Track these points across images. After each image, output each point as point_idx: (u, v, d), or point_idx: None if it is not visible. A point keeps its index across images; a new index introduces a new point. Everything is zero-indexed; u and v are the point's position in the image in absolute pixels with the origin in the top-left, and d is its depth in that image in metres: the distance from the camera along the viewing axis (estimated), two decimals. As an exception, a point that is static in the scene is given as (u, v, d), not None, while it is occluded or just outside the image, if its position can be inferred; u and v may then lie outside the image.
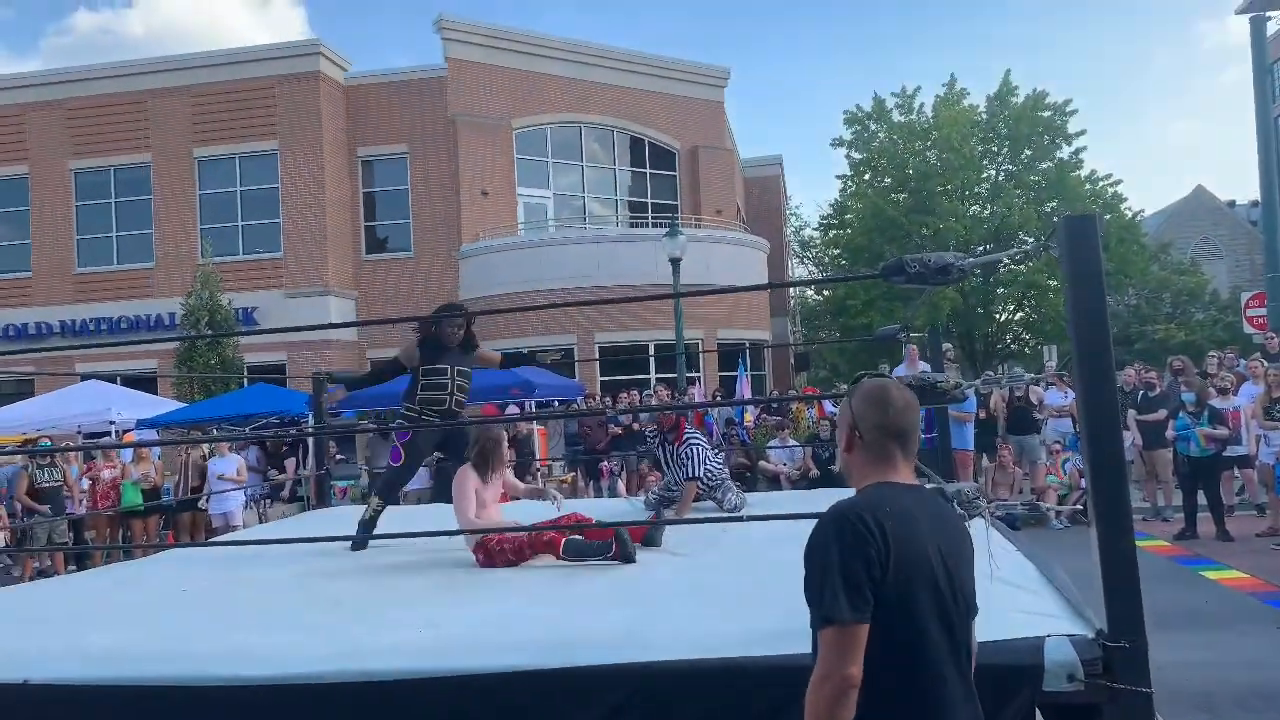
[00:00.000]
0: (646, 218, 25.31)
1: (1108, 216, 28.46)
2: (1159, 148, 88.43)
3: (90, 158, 23.29)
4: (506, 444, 5.40)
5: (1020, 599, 3.04)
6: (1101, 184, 29.11)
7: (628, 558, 4.36)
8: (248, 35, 79.49)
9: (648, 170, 26.41)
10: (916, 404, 2.15)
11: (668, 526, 4.89)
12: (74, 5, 73.78)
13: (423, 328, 5.79)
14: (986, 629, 2.64)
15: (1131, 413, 11.85)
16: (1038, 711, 2.72)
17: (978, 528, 2.83)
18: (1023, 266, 28.12)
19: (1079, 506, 11.06)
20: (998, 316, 30.93)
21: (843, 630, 1.86)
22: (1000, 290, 29.72)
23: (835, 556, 1.89)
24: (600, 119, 25.48)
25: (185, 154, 22.90)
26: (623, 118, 25.72)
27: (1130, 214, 29.29)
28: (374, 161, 23.65)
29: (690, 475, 6.25)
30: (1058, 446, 12.49)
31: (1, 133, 23.59)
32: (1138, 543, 2.59)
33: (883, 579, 1.88)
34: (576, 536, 4.55)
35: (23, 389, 20.50)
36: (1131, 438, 11.70)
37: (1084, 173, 29.04)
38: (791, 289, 35.88)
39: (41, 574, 10.16)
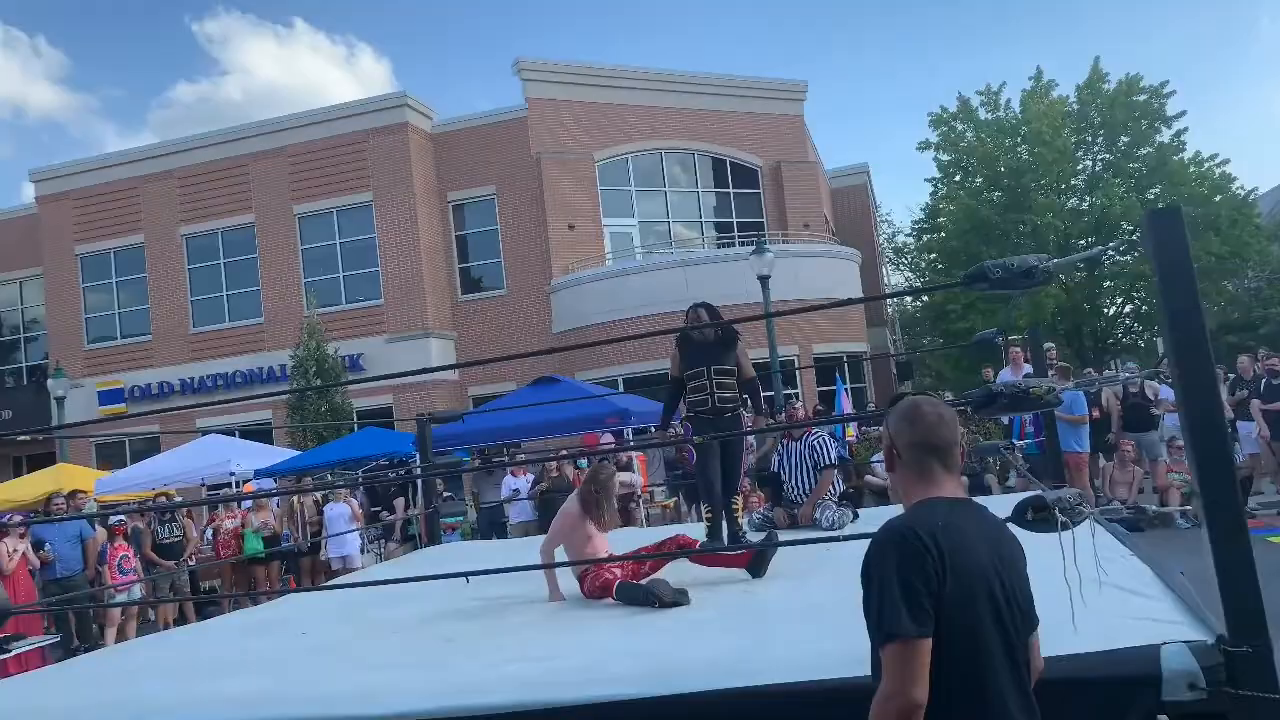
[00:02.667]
0: (733, 237, 25.28)
1: (1218, 198, 27.27)
2: (1271, 121, 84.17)
3: (198, 222, 24.50)
4: (617, 490, 5.37)
5: (1134, 605, 2.94)
6: (1208, 165, 27.90)
7: (674, 603, 4.19)
8: (337, 90, 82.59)
9: (731, 190, 26.42)
10: (950, 418, 2.12)
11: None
12: (174, 79, 77.95)
13: (679, 336, 5.80)
14: (1097, 638, 2.57)
15: (1255, 403, 11.27)
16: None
17: (1081, 534, 2.76)
18: (1128, 257, 27.10)
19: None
20: (1106, 310, 29.83)
21: (906, 645, 1.84)
22: (1107, 284, 28.68)
23: (893, 573, 1.88)
24: (680, 143, 25.64)
25: (286, 212, 23.90)
26: (703, 140, 25.83)
27: (1242, 193, 27.95)
28: (464, 205, 24.26)
29: (828, 463, 6.41)
30: (1178, 442, 11.94)
31: (119, 205, 25.02)
32: (1269, 539, 2.48)
33: (940, 593, 1.87)
34: (629, 581, 4.48)
35: (150, 446, 21.56)
36: (1256, 428, 11.13)
37: (1187, 155, 27.89)
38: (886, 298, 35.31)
39: (176, 622, 10.64)
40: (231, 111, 76.40)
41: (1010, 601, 1.97)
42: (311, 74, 77.38)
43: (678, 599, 4.18)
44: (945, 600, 1.87)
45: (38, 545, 10.16)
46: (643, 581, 4.44)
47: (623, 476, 5.46)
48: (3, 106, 72.32)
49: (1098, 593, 2.87)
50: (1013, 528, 2.84)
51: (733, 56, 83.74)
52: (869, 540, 2.00)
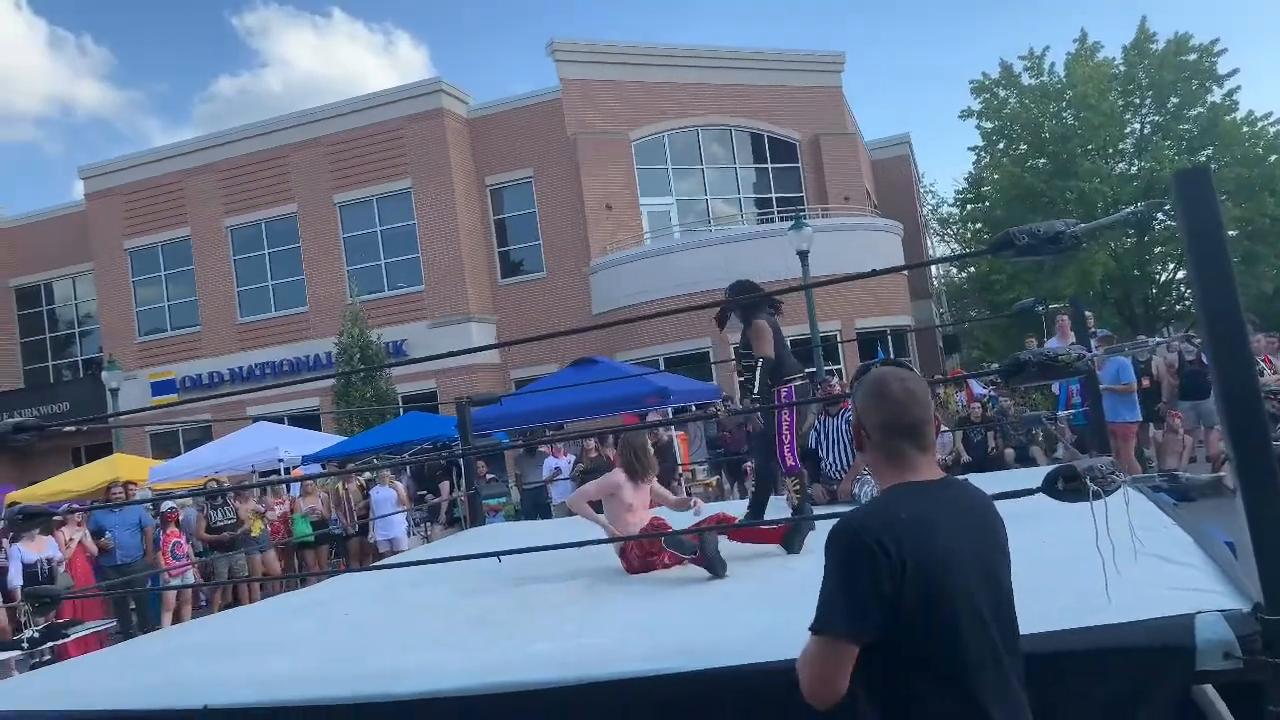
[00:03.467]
0: (773, 213, 25.08)
1: (1273, 158, 26.54)
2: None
3: (242, 214, 24.87)
4: (652, 449, 5.40)
5: (1171, 574, 2.88)
6: (1261, 124, 27.12)
7: (711, 563, 4.30)
8: (376, 78, 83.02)
9: (769, 165, 26.19)
10: (920, 392, 1.97)
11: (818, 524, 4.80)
12: (216, 72, 78.71)
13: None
14: (1131, 608, 2.53)
15: (1314, 367, 10.94)
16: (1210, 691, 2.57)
17: (1115, 502, 2.71)
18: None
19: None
20: (1158, 277, 29.18)
21: (827, 643, 1.79)
22: (1158, 249, 28.05)
23: (838, 569, 1.81)
24: (716, 120, 25.44)
25: (326, 201, 24.15)
26: (739, 115, 25.61)
27: (1301, 153, 27.15)
28: (501, 188, 24.33)
29: None
30: (1232, 409, 11.67)
31: (165, 199, 25.48)
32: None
33: (898, 595, 1.76)
34: (677, 535, 4.54)
35: (203, 435, 22.02)
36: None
37: (1240, 115, 27.13)
38: (932, 270, 34.89)
39: (229, 606, 10.86)
40: (272, 103, 77.08)
41: (990, 585, 1.87)
42: (350, 63, 77.89)
43: (714, 566, 4.27)
44: (906, 599, 1.76)
45: (99, 533, 10.45)
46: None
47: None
48: (52, 105, 73.74)
49: (1133, 562, 2.81)
50: (1043, 498, 2.81)
51: (768, 29, 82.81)
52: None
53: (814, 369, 17.20)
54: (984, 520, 1.97)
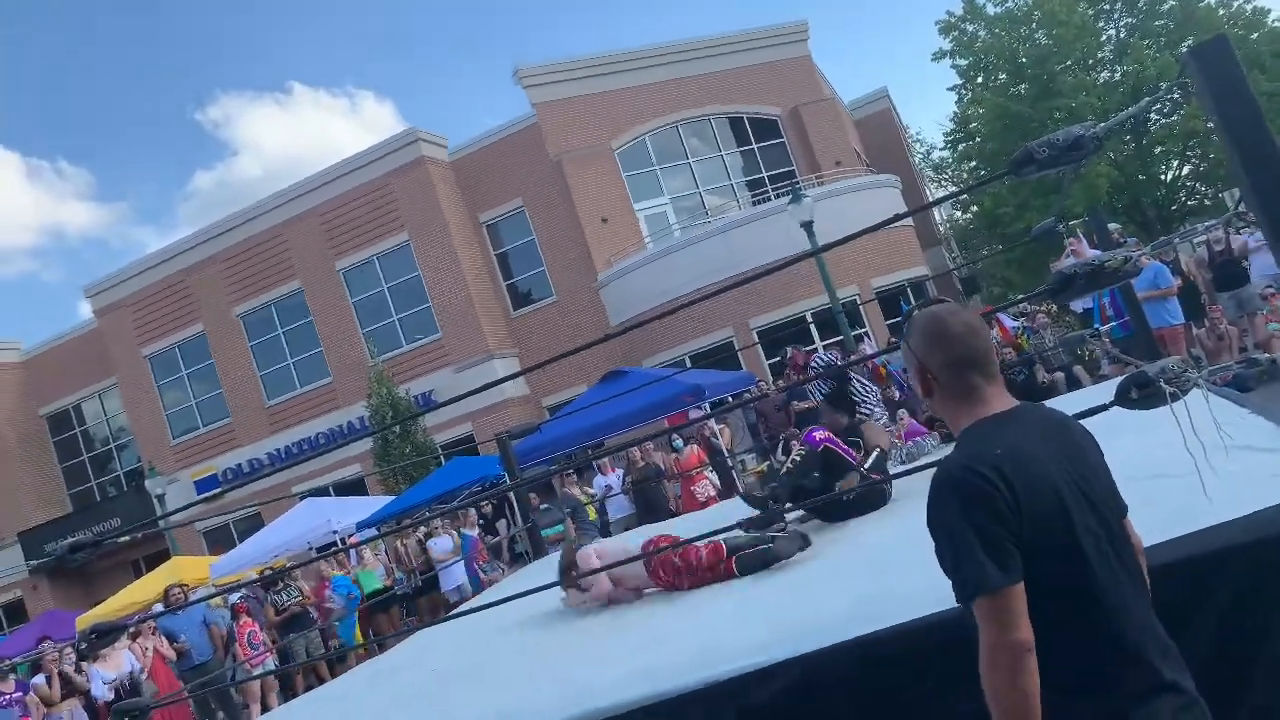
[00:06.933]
0: (768, 191, 24.95)
1: (1254, 35, 26.18)
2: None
3: (249, 299, 25.03)
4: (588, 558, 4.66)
5: (1266, 462, 2.76)
6: (1237, 4, 26.79)
7: (804, 545, 4.17)
8: (351, 141, 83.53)
9: (755, 145, 26.06)
10: (978, 324, 1.91)
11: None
12: (190, 169, 79.40)
13: None
14: (1235, 504, 2.41)
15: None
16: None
17: (1195, 401, 2.60)
18: (1175, 117, 26.14)
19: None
20: (1163, 178, 28.80)
21: (995, 597, 1.66)
22: (1158, 150, 27.69)
23: (961, 521, 1.70)
24: (693, 111, 25.36)
25: (329, 269, 24.26)
26: (714, 103, 25.51)
27: None
28: (496, 222, 24.35)
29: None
30: (1270, 291, 11.42)
31: (173, 300, 25.70)
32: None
33: (1019, 527, 1.69)
34: (745, 552, 4.36)
35: (254, 523, 22.11)
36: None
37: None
38: (936, 217, 34.59)
39: (310, 688, 10.84)
40: (253, 187, 77.76)
41: (1090, 499, 1.79)
42: (321, 132, 78.43)
43: (794, 546, 4.10)
44: (1025, 532, 1.69)
45: (172, 638, 10.47)
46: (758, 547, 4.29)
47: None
48: (44, 234, 74.67)
49: (1225, 458, 2.70)
50: (1118, 411, 2.70)
51: (720, 15, 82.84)
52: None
53: (840, 337, 17.04)
54: (1071, 441, 1.89)
